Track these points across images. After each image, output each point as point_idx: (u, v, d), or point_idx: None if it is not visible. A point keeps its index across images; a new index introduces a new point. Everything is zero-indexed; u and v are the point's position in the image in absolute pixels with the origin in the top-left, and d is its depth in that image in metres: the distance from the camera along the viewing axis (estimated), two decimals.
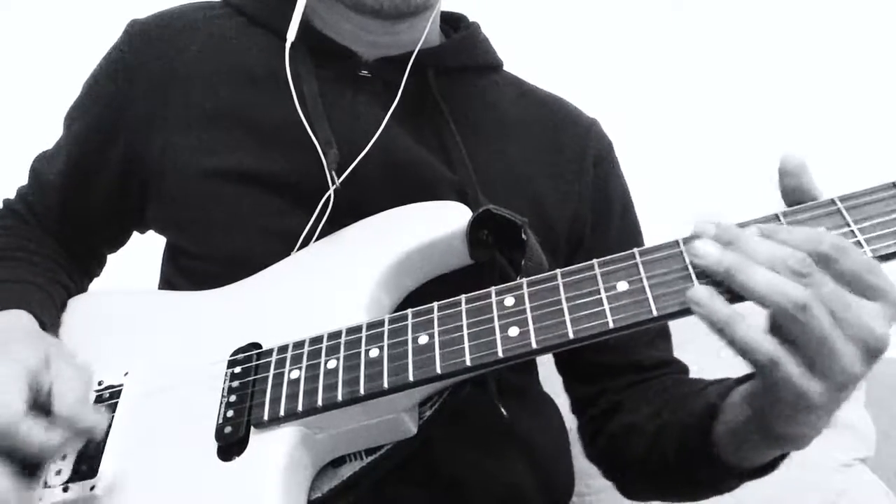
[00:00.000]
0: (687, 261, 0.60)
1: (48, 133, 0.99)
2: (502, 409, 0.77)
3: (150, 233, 0.98)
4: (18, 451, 0.65)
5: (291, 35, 0.84)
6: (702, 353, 0.94)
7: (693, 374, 0.94)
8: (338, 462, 0.73)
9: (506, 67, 1.01)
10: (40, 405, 0.67)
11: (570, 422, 0.98)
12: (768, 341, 0.55)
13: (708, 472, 0.75)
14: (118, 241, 1.02)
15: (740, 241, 0.57)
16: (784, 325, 0.55)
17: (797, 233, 0.57)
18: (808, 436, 0.63)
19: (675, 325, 0.92)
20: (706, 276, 0.58)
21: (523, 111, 0.96)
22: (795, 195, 0.61)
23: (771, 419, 0.62)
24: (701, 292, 0.56)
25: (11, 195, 1.00)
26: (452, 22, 1.01)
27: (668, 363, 0.94)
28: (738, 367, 0.81)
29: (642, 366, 0.92)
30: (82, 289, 0.97)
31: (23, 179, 1.00)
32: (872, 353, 0.56)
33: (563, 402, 0.99)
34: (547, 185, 0.91)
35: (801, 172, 0.60)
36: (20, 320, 0.79)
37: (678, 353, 0.96)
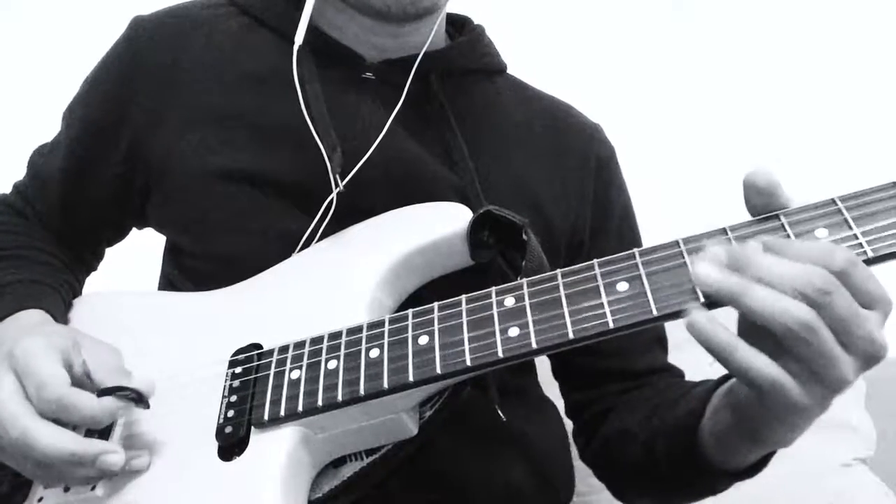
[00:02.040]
0: (688, 261, 0.60)
1: (46, 127, 0.99)
2: (500, 413, 0.77)
3: (150, 230, 0.97)
4: (74, 423, 0.67)
5: (300, 37, 0.84)
6: (697, 356, 0.94)
7: (688, 378, 0.94)
8: (338, 462, 0.73)
9: (510, 70, 1.01)
10: (77, 383, 0.69)
11: (570, 423, 0.98)
12: (768, 365, 0.55)
13: (697, 475, 0.75)
14: (117, 236, 1.02)
15: (750, 264, 0.55)
16: (789, 344, 0.54)
17: (809, 249, 0.55)
18: (793, 436, 0.64)
19: (669, 328, 0.93)
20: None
21: (526, 115, 0.96)
22: (761, 212, 0.60)
23: (757, 425, 0.63)
24: (700, 318, 0.55)
25: (7, 189, 1.00)
26: (457, 24, 1.00)
27: (662, 369, 0.94)
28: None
29: (637, 372, 0.93)
30: (82, 285, 0.98)
31: (18, 173, 0.99)
32: (872, 361, 0.56)
33: (562, 404, 0.99)
34: (549, 190, 0.91)
35: (773, 191, 0.59)
36: (37, 317, 0.80)
37: (674, 355, 0.97)
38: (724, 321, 0.56)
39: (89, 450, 0.66)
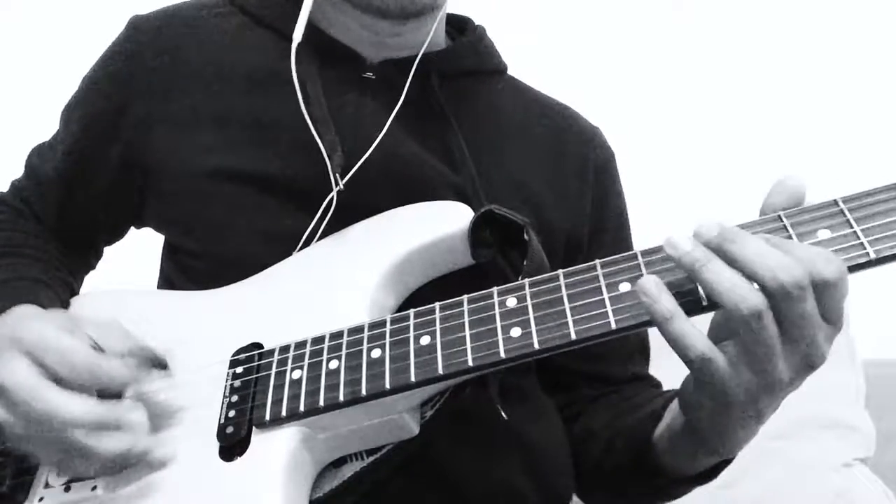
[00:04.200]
0: None
1: (43, 125, 0.98)
2: (502, 412, 0.77)
3: (148, 229, 0.97)
4: (102, 386, 0.67)
5: (298, 35, 0.84)
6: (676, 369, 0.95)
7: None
8: (339, 462, 0.73)
9: (510, 71, 1.01)
10: None
11: None
12: (701, 339, 0.57)
13: (652, 478, 0.78)
14: (115, 235, 1.01)
15: (735, 240, 0.56)
16: (734, 325, 0.57)
17: (807, 249, 0.56)
18: (736, 442, 0.67)
19: (652, 336, 0.94)
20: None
21: (527, 116, 0.96)
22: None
23: (700, 420, 0.65)
24: (649, 282, 0.57)
25: (4, 187, 0.99)
26: (458, 25, 1.00)
27: (640, 378, 0.96)
28: None
29: (614, 378, 0.94)
30: (80, 284, 0.98)
31: (15, 172, 0.99)
32: (809, 369, 0.58)
33: None
34: (548, 192, 0.91)
35: (799, 200, 0.61)
36: (32, 309, 0.79)
37: (654, 368, 0.98)
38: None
39: (112, 410, 0.66)
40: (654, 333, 0.92)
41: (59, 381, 0.66)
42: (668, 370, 0.94)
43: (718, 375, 0.58)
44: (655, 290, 0.57)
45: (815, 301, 0.55)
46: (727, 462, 0.73)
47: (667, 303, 0.57)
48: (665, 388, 0.95)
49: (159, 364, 0.71)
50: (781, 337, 0.56)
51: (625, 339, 0.63)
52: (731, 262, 0.56)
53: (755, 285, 0.55)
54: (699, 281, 0.57)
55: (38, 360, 0.67)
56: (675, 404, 0.73)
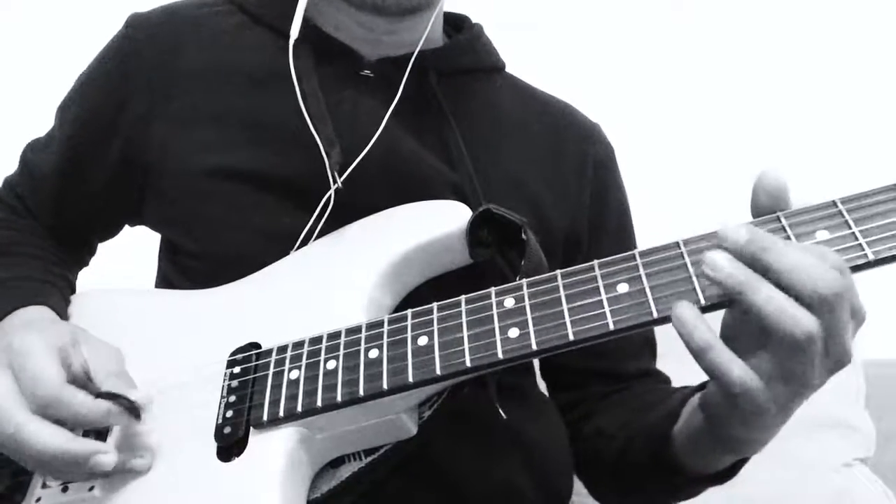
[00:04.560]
0: (688, 262, 0.60)
1: (38, 122, 0.98)
2: (501, 411, 0.77)
3: (144, 227, 0.97)
4: (66, 421, 0.67)
5: (295, 32, 0.84)
6: (682, 363, 0.95)
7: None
8: (336, 462, 0.73)
9: (508, 69, 1.00)
10: (75, 382, 0.69)
11: None
12: (739, 367, 0.56)
13: (670, 477, 0.77)
14: (110, 233, 1.01)
15: (772, 249, 0.54)
16: (780, 348, 0.55)
17: (825, 252, 0.55)
18: (761, 442, 0.65)
19: (658, 335, 0.93)
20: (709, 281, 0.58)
21: (525, 113, 0.96)
22: (764, 213, 0.60)
23: (725, 426, 0.63)
24: (687, 312, 0.56)
25: None
26: (455, 23, 1.00)
27: (649, 374, 0.95)
28: None
29: (623, 374, 0.93)
30: (76, 281, 0.97)
31: (9, 168, 0.99)
32: (837, 369, 0.57)
33: None
34: (547, 189, 0.91)
35: (781, 193, 0.59)
36: (43, 313, 0.80)
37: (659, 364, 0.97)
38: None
39: (81, 449, 0.66)
40: (659, 331, 0.93)
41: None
42: (672, 366, 0.95)
43: (752, 395, 0.56)
44: (692, 321, 0.55)
45: (847, 300, 0.54)
46: (746, 460, 0.72)
47: (704, 333, 0.55)
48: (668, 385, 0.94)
49: (134, 413, 0.69)
50: (822, 350, 0.55)
51: (631, 336, 0.62)
52: (765, 272, 0.54)
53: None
54: (745, 304, 0.55)
55: (17, 377, 0.68)
56: (693, 402, 0.72)
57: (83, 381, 0.69)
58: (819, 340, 0.54)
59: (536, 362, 0.97)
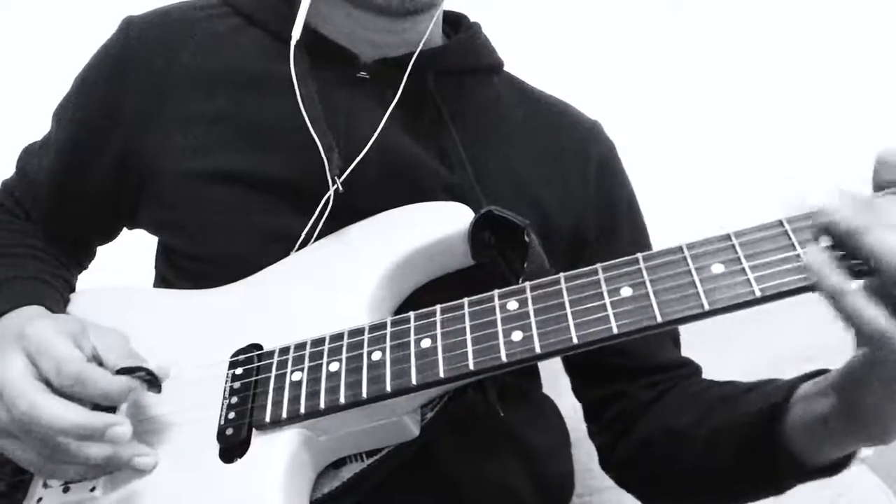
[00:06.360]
0: (692, 267, 0.60)
1: (35, 125, 0.98)
2: (498, 409, 0.76)
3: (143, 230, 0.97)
4: (92, 398, 0.67)
5: (296, 34, 0.83)
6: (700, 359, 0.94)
7: None
8: (338, 463, 0.73)
9: (507, 68, 1.00)
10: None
11: (570, 424, 0.98)
12: (880, 315, 0.53)
13: (770, 471, 0.73)
14: (108, 236, 1.01)
15: (885, 210, 0.53)
16: None
17: None
18: (894, 428, 0.62)
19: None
20: (712, 281, 0.58)
21: (524, 113, 0.95)
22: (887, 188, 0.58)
23: (864, 406, 0.61)
24: (818, 257, 0.54)
25: None
26: (453, 22, 0.99)
27: (683, 364, 0.92)
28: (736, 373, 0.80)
29: (658, 366, 0.90)
30: (75, 283, 0.97)
31: (6, 171, 0.99)
32: None
33: (562, 403, 0.99)
34: (548, 189, 0.90)
35: None
36: (40, 312, 0.80)
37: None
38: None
39: (96, 421, 0.66)
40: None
41: (52, 385, 0.67)
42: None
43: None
44: (825, 267, 0.53)
45: None
46: (853, 455, 0.70)
47: (836, 278, 0.53)
48: None
49: (154, 384, 0.70)
50: None
51: None
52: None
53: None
54: (863, 247, 0.52)
55: (34, 361, 0.67)
56: (807, 391, 0.69)
57: (98, 363, 0.70)
58: None
59: (551, 360, 0.95)
